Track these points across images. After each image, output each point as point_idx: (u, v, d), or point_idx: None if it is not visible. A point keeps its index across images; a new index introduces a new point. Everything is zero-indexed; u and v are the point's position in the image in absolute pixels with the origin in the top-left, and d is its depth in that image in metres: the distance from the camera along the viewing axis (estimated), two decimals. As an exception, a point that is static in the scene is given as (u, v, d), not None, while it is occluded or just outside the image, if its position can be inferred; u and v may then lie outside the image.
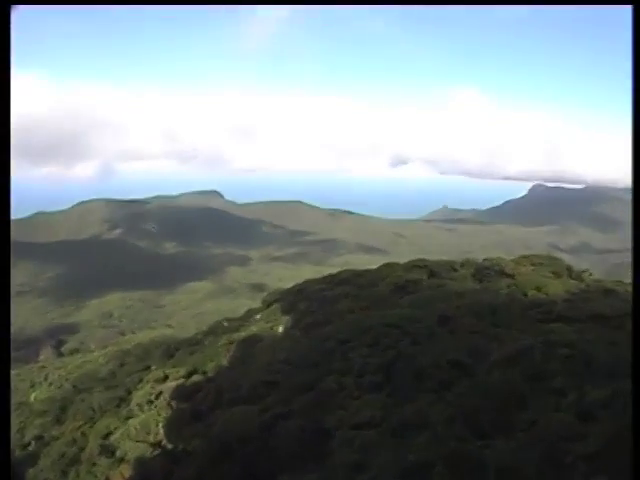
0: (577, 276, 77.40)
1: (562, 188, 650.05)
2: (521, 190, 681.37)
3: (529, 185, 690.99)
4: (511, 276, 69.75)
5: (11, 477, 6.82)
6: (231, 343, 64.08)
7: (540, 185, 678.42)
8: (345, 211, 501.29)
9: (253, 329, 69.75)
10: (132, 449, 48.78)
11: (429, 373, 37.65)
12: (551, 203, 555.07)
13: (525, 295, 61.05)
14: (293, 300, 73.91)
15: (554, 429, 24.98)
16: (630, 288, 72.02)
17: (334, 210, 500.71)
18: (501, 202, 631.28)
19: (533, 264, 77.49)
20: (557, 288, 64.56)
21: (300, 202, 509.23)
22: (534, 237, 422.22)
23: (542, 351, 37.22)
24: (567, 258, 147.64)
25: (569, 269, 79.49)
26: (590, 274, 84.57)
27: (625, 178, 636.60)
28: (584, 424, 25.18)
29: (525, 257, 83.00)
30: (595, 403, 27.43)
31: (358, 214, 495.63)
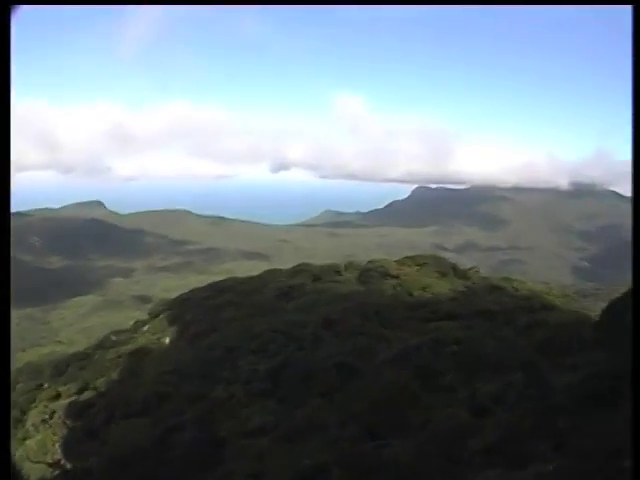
0: (463, 274, 78.60)
1: (445, 189, 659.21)
2: (404, 192, 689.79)
3: (412, 187, 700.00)
4: (396, 277, 70.36)
5: (11, 477, 6.51)
6: (120, 357, 63.08)
7: (423, 187, 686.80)
8: (228, 218, 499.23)
9: (141, 341, 68.81)
10: (32, 470, 47.35)
11: (317, 377, 37.59)
12: (435, 204, 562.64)
13: (410, 295, 61.72)
14: (179, 310, 73.33)
15: (448, 425, 25.13)
16: (517, 284, 73.71)
17: (217, 217, 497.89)
18: (384, 204, 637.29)
19: (418, 264, 78.34)
20: (443, 287, 65.52)
21: (183, 210, 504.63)
22: (418, 238, 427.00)
23: (430, 349, 37.57)
24: (452, 257, 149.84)
25: (454, 268, 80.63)
26: (476, 271, 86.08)
27: (508, 177, 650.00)
28: (478, 418, 25.42)
29: (409, 258, 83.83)
30: (487, 397, 27.77)
31: (241, 221, 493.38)
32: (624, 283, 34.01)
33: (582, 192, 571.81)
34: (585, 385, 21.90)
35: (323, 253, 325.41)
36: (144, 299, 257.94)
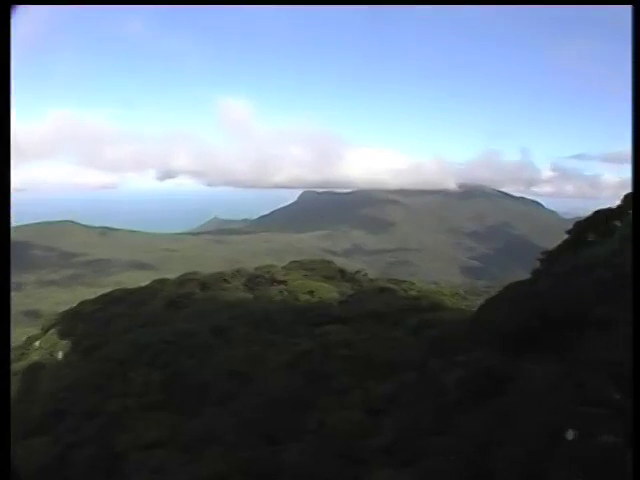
0: (350, 277, 79.55)
1: (331, 193, 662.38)
2: (291, 197, 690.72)
3: (299, 192, 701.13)
4: (283, 282, 70.81)
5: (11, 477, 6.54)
6: (15, 374, 62.07)
7: (309, 191, 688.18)
8: (115, 228, 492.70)
9: (34, 357, 67.67)
10: None
11: (210, 386, 37.64)
12: (321, 208, 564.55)
13: (298, 300, 62.26)
14: (70, 324, 72.15)
15: (344, 427, 25.54)
16: (405, 285, 74.92)
17: (105, 228, 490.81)
18: (271, 210, 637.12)
19: (305, 269, 78.93)
20: (330, 291, 66.17)
21: (71, 222, 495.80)
22: (306, 243, 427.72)
23: (321, 353, 38.03)
24: (340, 261, 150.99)
25: (342, 271, 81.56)
26: (364, 274, 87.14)
27: (395, 180, 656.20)
28: (373, 419, 25.88)
29: (296, 263, 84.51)
30: (381, 398, 28.28)
31: (128, 231, 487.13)
32: (513, 280, 35.13)
33: (471, 193, 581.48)
34: (474, 381, 22.56)
35: (211, 261, 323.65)
36: (35, 314, 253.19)
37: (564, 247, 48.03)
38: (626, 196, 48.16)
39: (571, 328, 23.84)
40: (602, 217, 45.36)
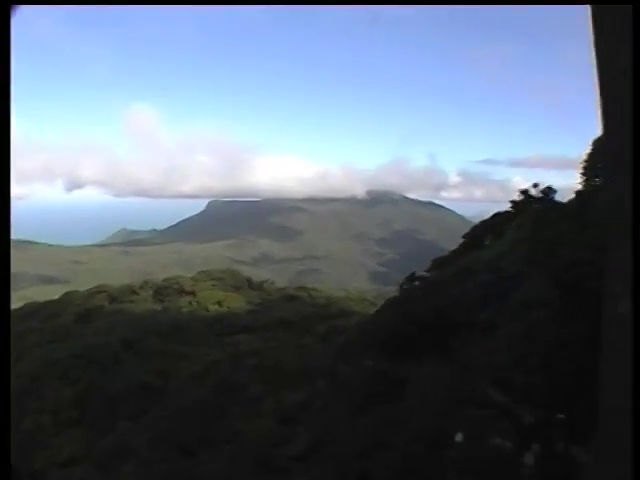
0: (258, 287, 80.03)
1: (239, 202, 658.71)
2: (198, 207, 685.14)
3: (206, 201, 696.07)
4: (191, 293, 70.84)
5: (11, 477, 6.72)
6: None
7: (217, 200, 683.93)
8: (23, 241, 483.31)
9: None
10: None
11: (122, 399, 37.61)
12: (228, 217, 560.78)
13: (207, 310, 62.52)
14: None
15: (257, 436, 25.89)
16: (313, 293, 75.44)
17: (12, 241, 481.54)
18: (179, 220, 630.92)
19: (213, 279, 79.07)
20: (239, 300, 66.62)
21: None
22: (214, 253, 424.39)
23: (231, 363, 38.36)
24: (248, 270, 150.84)
25: (249, 281, 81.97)
26: (272, 283, 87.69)
27: (302, 188, 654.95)
28: (286, 427, 26.28)
29: (204, 273, 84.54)
30: (293, 406, 28.73)
31: (36, 243, 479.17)
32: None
33: (378, 199, 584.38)
34: (374, 386, 23.17)
35: (119, 273, 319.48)
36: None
37: (459, 251, 49.19)
38: (515, 201, 49.59)
39: (455, 332, 24.72)
40: (499, 220, 46.62)
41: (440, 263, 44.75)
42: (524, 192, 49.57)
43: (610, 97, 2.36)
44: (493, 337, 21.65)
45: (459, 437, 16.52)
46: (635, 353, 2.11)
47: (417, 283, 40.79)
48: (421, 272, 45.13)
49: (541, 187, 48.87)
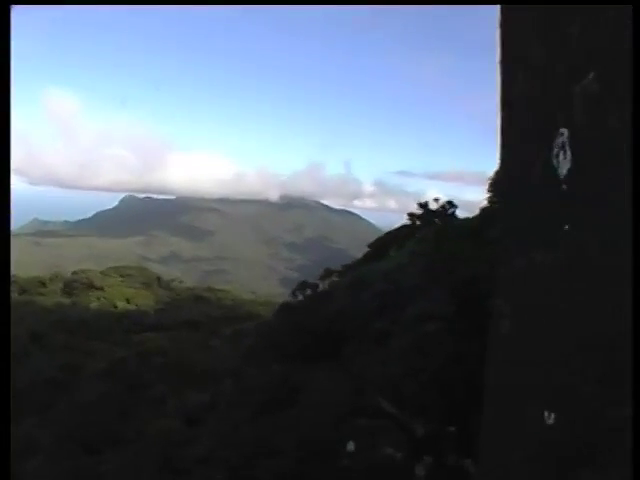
0: (167, 285, 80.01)
1: (152, 199, 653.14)
2: (112, 201, 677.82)
3: (120, 196, 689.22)
4: (100, 288, 70.41)
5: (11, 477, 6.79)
6: None
7: (131, 196, 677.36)
8: None
9: None
10: None
11: (28, 393, 37.35)
12: (141, 214, 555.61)
13: (115, 307, 62.30)
14: None
15: (163, 436, 25.94)
16: (221, 294, 75.66)
17: None
18: (92, 213, 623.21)
19: (122, 275, 78.77)
20: (147, 298, 66.55)
21: None
22: (125, 248, 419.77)
23: (138, 361, 38.34)
24: (157, 268, 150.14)
25: (159, 279, 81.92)
26: (180, 282, 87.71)
27: (216, 189, 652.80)
28: (191, 428, 26.42)
29: (114, 269, 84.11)
30: (198, 407, 28.88)
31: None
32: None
33: (291, 204, 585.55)
34: (274, 391, 23.54)
35: (30, 264, 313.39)
36: None
37: (361, 260, 49.84)
38: (413, 214, 50.42)
39: (347, 341, 25.23)
40: (404, 232, 47.41)
41: (334, 272, 45.17)
42: (423, 205, 50.30)
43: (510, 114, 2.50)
44: (386, 348, 22.13)
45: (351, 446, 16.86)
46: (519, 370, 2.22)
47: (309, 291, 41.29)
48: (315, 280, 45.55)
49: (442, 201, 49.60)
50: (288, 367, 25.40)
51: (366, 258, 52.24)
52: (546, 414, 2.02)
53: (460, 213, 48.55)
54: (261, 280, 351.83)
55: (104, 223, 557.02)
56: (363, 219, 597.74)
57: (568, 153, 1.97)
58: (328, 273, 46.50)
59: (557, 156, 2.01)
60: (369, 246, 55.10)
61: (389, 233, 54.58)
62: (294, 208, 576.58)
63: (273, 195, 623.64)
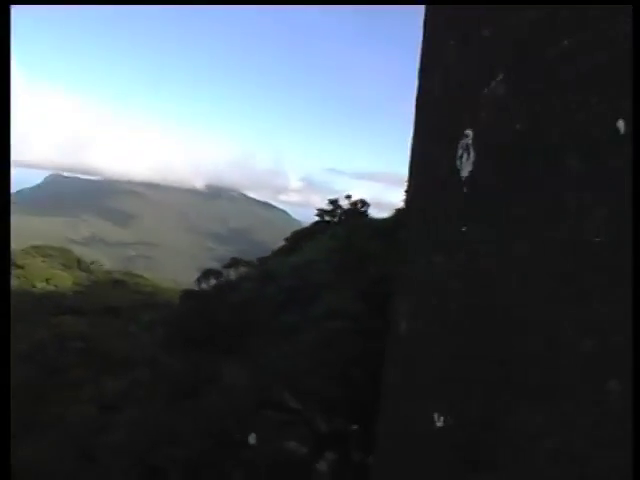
0: (86, 268, 79.38)
1: (79, 179, 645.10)
2: (37, 178, 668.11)
3: (45, 174, 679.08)
4: (21, 267, 69.67)
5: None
6: None
7: (57, 175, 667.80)
8: None
9: None
10: None
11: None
12: (66, 193, 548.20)
13: (34, 287, 61.75)
14: None
15: (79, 422, 25.89)
16: (140, 280, 75.31)
17: None
18: (16, 190, 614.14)
19: (44, 255, 77.78)
20: (67, 280, 66.04)
21: None
22: (48, 228, 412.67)
23: (55, 344, 38.20)
24: (80, 250, 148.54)
25: (79, 261, 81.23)
26: (100, 265, 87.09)
27: (143, 173, 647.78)
28: (107, 415, 26.40)
29: (35, 248, 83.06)
30: (114, 394, 28.88)
31: None
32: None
33: (217, 194, 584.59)
34: (181, 381, 23.77)
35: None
36: None
37: (276, 254, 50.16)
38: (323, 210, 50.83)
39: (253, 333, 25.53)
40: (319, 228, 47.78)
41: (241, 262, 45.33)
42: (333, 202, 50.61)
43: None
44: (292, 343, 22.40)
45: (253, 438, 17.10)
46: (412, 372, 2.26)
47: (214, 280, 41.34)
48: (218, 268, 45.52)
49: (354, 199, 49.96)
50: (197, 356, 25.61)
51: (280, 251, 52.54)
52: (435, 416, 2.08)
53: (381, 214, 48.92)
54: (183, 269, 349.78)
55: (27, 201, 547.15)
56: (287, 214, 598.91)
57: (472, 154, 2.01)
58: (234, 262, 46.46)
59: (461, 157, 2.06)
60: (285, 240, 55.39)
61: (306, 228, 54.92)
62: (219, 198, 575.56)
63: (199, 184, 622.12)
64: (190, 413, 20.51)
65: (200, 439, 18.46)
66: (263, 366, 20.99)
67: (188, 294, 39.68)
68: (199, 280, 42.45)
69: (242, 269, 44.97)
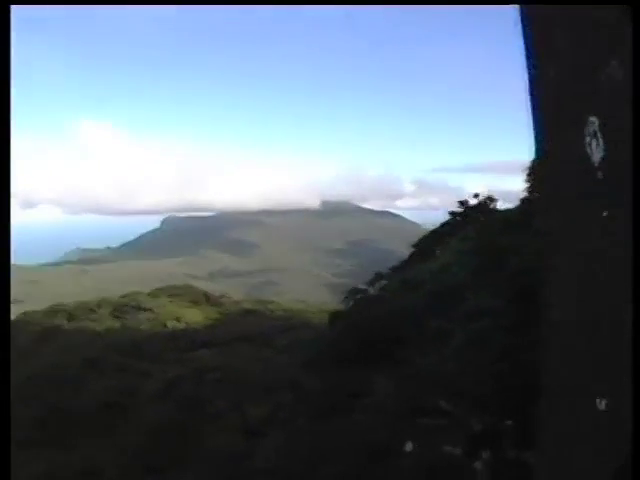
0: (215, 301, 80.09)
1: (194, 217, 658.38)
2: (154, 223, 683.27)
3: (161, 217, 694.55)
4: (149, 310, 70.62)
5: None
6: None
7: (172, 216, 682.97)
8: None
9: None
10: None
11: (85, 418, 37.31)
12: (184, 233, 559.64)
13: (165, 327, 62.53)
14: None
15: (224, 451, 25.88)
16: (272, 306, 75.71)
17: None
18: (134, 237, 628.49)
19: (170, 295, 78.96)
20: (197, 316, 66.70)
21: None
22: (169, 269, 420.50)
23: (193, 379, 38.40)
24: (204, 285, 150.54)
25: (206, 296, 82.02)
26: (228, 297, 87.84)
27: (256, 201, 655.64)
28: (253, 442, 26.32)
29: (161, 289, 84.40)
30: (258, 420, 28.80)
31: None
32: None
33: (333, 210, 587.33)
34: (333, 398, 23.45)
35: (75, 292, 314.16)
36: None
37: (407, 261, 49.67)
38: (454, 212, 50.20)
39: (402, 343, 25.14)
40: (447, 230, 47.20)
41: (382, 275, 45.05)
42: (463, 203, 50.06)
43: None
44: (440, 347, 22.08)
45: (409, 446, 16.82)
46: (572, 358, 2.29)
47: (360, 296, 41.19)
48: (363, 285, 45.41)
49: (482, 196, 49.30)
50: (345, 373, 25.36)
51: (412, 259, 52.07)
52: (597, 400, 2.04)
53: (500, 205, 48.35)
54: (309, 289, 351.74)
55: (147, 246, 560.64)
56: (404, 219, 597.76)
57: (600, 140, 1.94)
58: (377, 277, 46.39)
59: (590, 144, 2.00)
60: (413, 246, 54.95)
61: (433, 232, 54.39)
62: (336, 214, 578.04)
63: (314, 203, 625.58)
64: (341, 429, 20.30)
65: (354, 453, 18.26)
66: (413, 374, 20.77)
67: (337, 314, 39.79)
68: (346, 298, 42.47)
69: (383, 281, 44.90)
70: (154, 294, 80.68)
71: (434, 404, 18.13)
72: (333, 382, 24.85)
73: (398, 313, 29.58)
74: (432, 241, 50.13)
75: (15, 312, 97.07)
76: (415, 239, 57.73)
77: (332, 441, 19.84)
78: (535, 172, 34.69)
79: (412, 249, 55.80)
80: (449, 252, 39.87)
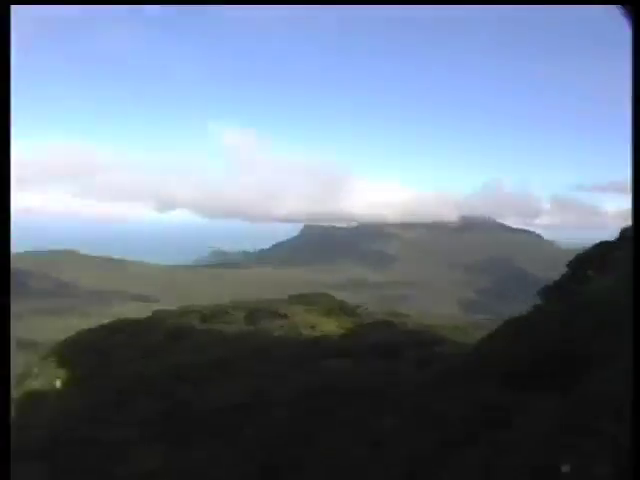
0: (351, 311, 79.59)
1: (334, 227, 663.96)
2: (293, 231, 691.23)
3: (300, 225, 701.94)
4: (284, 316, 70.65)
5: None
6: (12, 401, 61.30)
7: (311, 225, 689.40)
8: (115, 259, 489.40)
9: (31, 385, 66.64)
10: None
11: (210, 418, 37.25)
12: (323, 242, 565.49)
13: (300, 334, 62.14)
14: (69, 353, 71.35)
15: (348, 462, 25.15)
16: (406, 319, 74.96)
17: (105, 259, 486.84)
18: (272, 244, 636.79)
19: (306, 303, 79.01)
20: (331, 325, 66.23)
21: (70, 251, 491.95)
22: (307, 277, 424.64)
23: (322, 387, 37.76)
24: (340, 295, 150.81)
25: (342, 306, 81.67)
26: (365, 308, 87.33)
27: (394, 213, 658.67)
28: (377, 453, 25.50)
29: (297, 297, 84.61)
30: (384, 432, 27.92)
31: (129, 262, 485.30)
32: (513, 314, 34.87)
33: (471, 226, 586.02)
34: (474, 415, 22.32)
35: (211, 294, 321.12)
36: (32, 343, 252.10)
37: (562, 282, 47.81)
38: (624, 230, 48.08)
39: (571, 364, 23.73)
40: (600, 251, 45.21)
41: (547, 294, 43.61)
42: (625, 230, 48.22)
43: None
44: (609, 369, 20.61)
45: (566, 468, 15.75)
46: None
47: (532, 311, 39.78)
48: (514, 301, 44.09)
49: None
50: (495, 391, 24.05)
51: (566, 279, 50.36)
52: None
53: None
54: (443, 304, 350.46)
55: (285, 253, 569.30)
56: (542, 237, 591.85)
57: None
58: (543, 294, 44.93)
59: None
60: (568, 266, 53.29)
61: (587, 252, 52.58)
62: (474, 230, 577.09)
63: (451, 217, 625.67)
64: (495, 447, 19.15)
65: (513, 473, 17.17)
66: (580, 394, 19.53)
67: (511, 328, 38.79)
68: (531, 312, 41.34)
69: (548, 297, 43.55)
70: (290, 301, 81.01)
71: (594, 424, 16.88)
72: (481, 399, 23.53)
73: (572, 333, 28.33)
74: (585, 262, 48.38)
75: (151, 310, 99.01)
76: (551, 259, 56.42)
77: (480, 461, 18.70)
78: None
79: (548, 268, 54.38)
80: (612, 273, 38.25)
